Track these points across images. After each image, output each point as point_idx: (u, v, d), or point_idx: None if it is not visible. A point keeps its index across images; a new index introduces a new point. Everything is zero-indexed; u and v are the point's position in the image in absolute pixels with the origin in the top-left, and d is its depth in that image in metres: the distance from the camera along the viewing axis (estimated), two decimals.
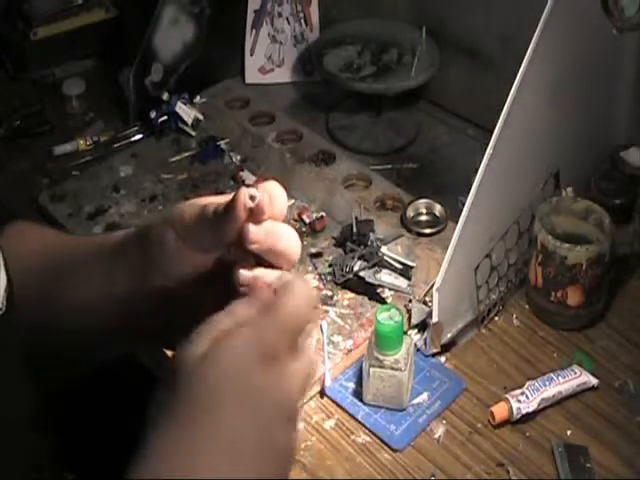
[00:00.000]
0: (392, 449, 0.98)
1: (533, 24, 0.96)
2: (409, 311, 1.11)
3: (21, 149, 1.46)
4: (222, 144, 1.40)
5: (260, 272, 0.61)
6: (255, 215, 0.60)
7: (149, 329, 0.69)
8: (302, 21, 1.56)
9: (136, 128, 1.46)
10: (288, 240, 0.62)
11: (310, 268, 1.19)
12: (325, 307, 1.13)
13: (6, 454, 0.63)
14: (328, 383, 1.04)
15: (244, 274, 0.61)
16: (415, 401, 1.02)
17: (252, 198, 0.59)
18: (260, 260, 0.62)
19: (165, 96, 1.44)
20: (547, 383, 1.00)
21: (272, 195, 0.61)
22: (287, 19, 1.55)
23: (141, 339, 0.75)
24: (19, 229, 0.81)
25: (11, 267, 0.68)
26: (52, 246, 0.78)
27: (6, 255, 0.68)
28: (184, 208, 0.64)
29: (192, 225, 0.62)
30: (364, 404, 1.02)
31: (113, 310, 0.68)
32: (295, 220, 1.27)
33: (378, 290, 1.15)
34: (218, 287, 0.63)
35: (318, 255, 1.21)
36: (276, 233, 0.61)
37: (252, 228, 0.60)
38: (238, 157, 1.38)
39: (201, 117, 1.43)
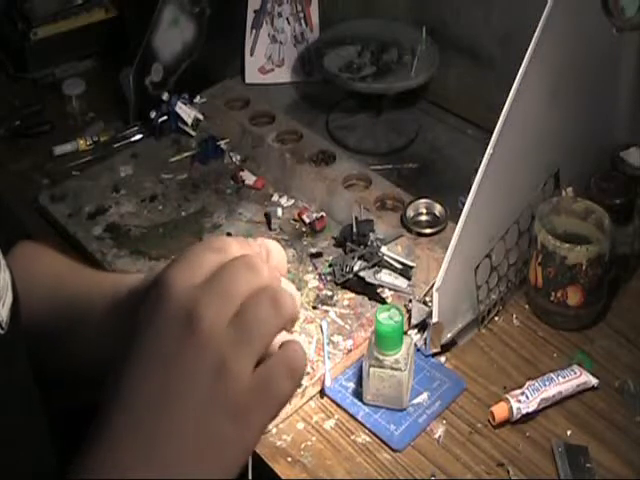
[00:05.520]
0: (392, 449, 0.98)
1: (533, 24, 0.96)
2: (409, 311, 1.11)
3: (21, 149, 1.46)
4: (222, 144, 1.40)
5: None
6: None
7: None
8: (302, 21, 1.56)
9: (136, 128, 1.46)
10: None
11: (310, 268, 1.19)
12: (325, 307, 1.13)
13: (13, 462, 0.63)
14: (328, 383, 1.04)
15: None
16: (415, 401, 1.02)
17: None
18: None
19: (165, 96, 1.44)
20: (547, 383, 1.00)
21: (269, 250, 0.60)
22: (287, 19, 1.55)
23: None
24: (28, 251, 0.80)
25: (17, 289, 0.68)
26: (62, 278, 0.77)
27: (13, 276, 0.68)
28: None
29: None
30: (364, 404, 1.02)
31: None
32: (295, 220, 1.27)
33: (378, 290, 1.15)
34: None
35: (318, 255, 1.21)
36: None
37: None
38: (238, 157, 1.38)
39: (201, 117, 1.43)
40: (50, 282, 0.77)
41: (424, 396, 1.03)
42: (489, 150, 0.98)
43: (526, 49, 0.96)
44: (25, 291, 0.69)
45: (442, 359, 1.08)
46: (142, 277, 0.69)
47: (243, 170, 1.35)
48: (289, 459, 0.98)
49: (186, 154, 1.40)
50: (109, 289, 0.71)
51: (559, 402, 1.01)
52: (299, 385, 0.55)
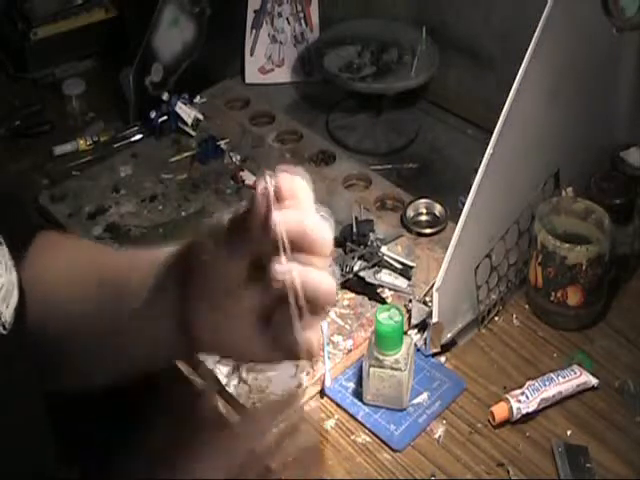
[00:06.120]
0: (392, 449, 0.98)
1: (533, 24, 0.96)
2: (409, 311, 1.11)
3: (21, 149, 1.46)
4: (222, 144, 1.40)
5: (293, 267, 0.59)
6: (278, 201, 0.59)
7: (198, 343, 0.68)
8: (302, 21, 1.56)
9: (136, 128, 1.46)
10: (314, 225, 0.60)
11: None
12: None
13: (13, 462, 0.63)
14: (328, 383, 1.04)
15: (279, 268, 0.58)
16: (415, 401, 1.02)
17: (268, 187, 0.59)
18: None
19: (165, 96, 1.44)
20: (547, 383, 1.00)
21: (287, 180, 0.60)
22: (287, 19, 1.55)
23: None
24: (53, 238, 0.80)
25: (45, 278, 0.68)
26: (93, 257, 0.76)
27: (37, 267, 0.68)
28: (219, 221, 0.63)
29: (225, 231, 0.61)
30: (364, 404, 1.02)
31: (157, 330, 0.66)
32: None
33: (378, 290, 1.15)
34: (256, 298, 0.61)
35: None
36: (300, 218, 0.59)
37: (275, 214, 0.58)
38: (238, 157, 1.38)
39: (201, 117, 1.43)
40: (81, 261, 0.76)
41: (424, 396, 1.03)
42: (489, 150, 0.98)
43: (526, 49, 0.96)
44: (55, 274, 0.69)
45: (442, 359, 1.07)
46: (169, 251, 0.68)
47: (243, 170, 1.35)
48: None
49: (186, 154, 1.40)
50: (144, 263, 0.70)
51: (559, 402, 1.01)
52: None
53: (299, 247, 0.58)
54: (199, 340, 0.65)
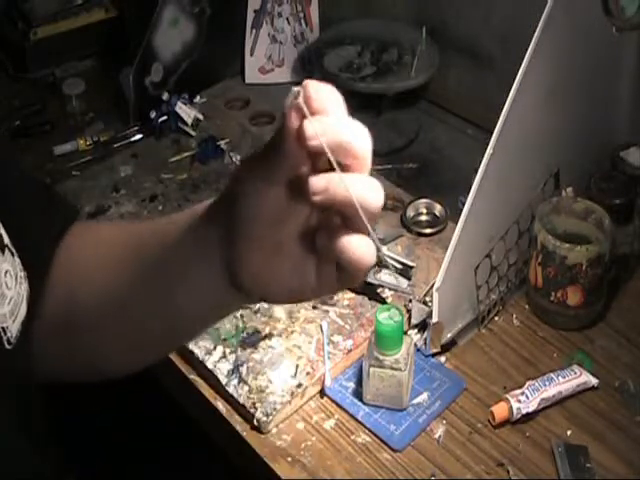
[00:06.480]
0: (392, 449, 0.98)
1: (533, 24, 0.96)
2: (409, 311, 1.11)
3: (21, 149, 1.46)
4: (222, 144, 1.40)
5: (333, 175, 0.54)
6: (310, 111, 0.56)
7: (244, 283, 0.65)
8: (302, 21, 1.56)
9: (136, 128, 1.46)
10: (351, 132, 0.54)
11: None
12: (325, 307, 1.13)
13: (11, 470, 0.63)
14: (328, 383, 1.04)
15: (316, 180, 0.54)
16: (415, 401, 1.02)
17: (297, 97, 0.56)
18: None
19: (165, 96, 1.44)
20: (547, 383, 1.00)
21: (316, 87, 0.57)
22: (287, 19, 1.55)
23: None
24: (91, 224, 0.78)
25: (82, 265, 0.68)
26: (132, 238, 0.74)
27: (75, 256, 0.68)
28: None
29: (259, 155, 0.58)
30: (364, 404, 1.02)
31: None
32: None
33: (378, 290, 1.15)
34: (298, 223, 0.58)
35: None
36: (335, 125, 0.54)
37: (306, 122, 0.53)
38: (238, 157, 1.38)
39: (201, 117, 1.43)
40: (118, 241, 0.73)
41: (424, 396, 1.03)
42: (489, 150, 0.98)
43: (526, 49, 0.96)
44: (93, 255, 0.69)
45: (442, 359, 1.07)
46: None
47: None
48: (289, 459, 0.98)
49: (186, 154, 1.40)
50: (186, 218, 0.68)
51: (559, 402, 1.01)
52: None
53: (337, 156, 0.55)
54: (248, 284, 0.61)
